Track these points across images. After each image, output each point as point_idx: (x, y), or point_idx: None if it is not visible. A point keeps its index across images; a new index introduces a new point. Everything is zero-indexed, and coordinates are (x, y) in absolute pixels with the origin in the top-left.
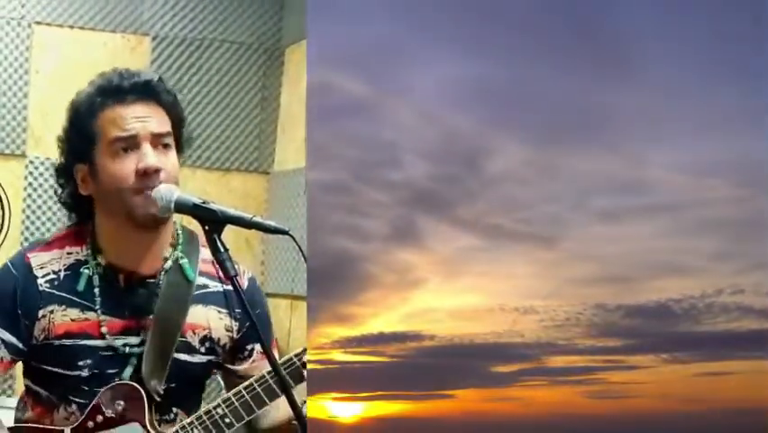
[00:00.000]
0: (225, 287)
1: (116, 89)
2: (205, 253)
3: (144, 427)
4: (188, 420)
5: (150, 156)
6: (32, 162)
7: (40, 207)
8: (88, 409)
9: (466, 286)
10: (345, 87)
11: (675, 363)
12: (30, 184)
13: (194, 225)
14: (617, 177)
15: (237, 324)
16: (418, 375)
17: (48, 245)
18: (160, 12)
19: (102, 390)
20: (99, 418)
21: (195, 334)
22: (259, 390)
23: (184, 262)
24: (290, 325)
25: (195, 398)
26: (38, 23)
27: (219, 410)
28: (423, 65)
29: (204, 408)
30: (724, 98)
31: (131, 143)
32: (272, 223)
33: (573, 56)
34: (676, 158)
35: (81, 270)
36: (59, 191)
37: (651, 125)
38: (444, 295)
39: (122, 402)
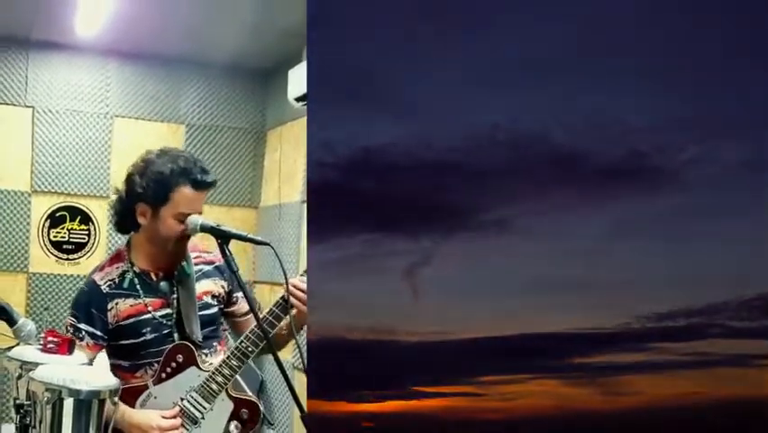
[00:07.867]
0: (214, 264)
1: (194, 178)
2: (195, 253)
3: (199, 367)
4: (226, 355)
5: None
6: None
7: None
8: (160, 365)
9: None
10: None
11: (666, 354)
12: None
13: (211, 239)
14: None
15: (226, 283)
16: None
17: (102, 268)
18: (191, 109)
19: (166, 350)
20: (168, 369)
21: (206, 295)
22: (264, 324)
23: (183, 264)
24: (270, 301)
25: (217, 334)
26: (117, 116)
27: (244, 343)
28: None
29: (233, 345)
30: None
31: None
32: (259, 238)
33: None
34: None
35: (125, 275)
36: (116, 209)
37: None
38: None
39: (180, 356)
